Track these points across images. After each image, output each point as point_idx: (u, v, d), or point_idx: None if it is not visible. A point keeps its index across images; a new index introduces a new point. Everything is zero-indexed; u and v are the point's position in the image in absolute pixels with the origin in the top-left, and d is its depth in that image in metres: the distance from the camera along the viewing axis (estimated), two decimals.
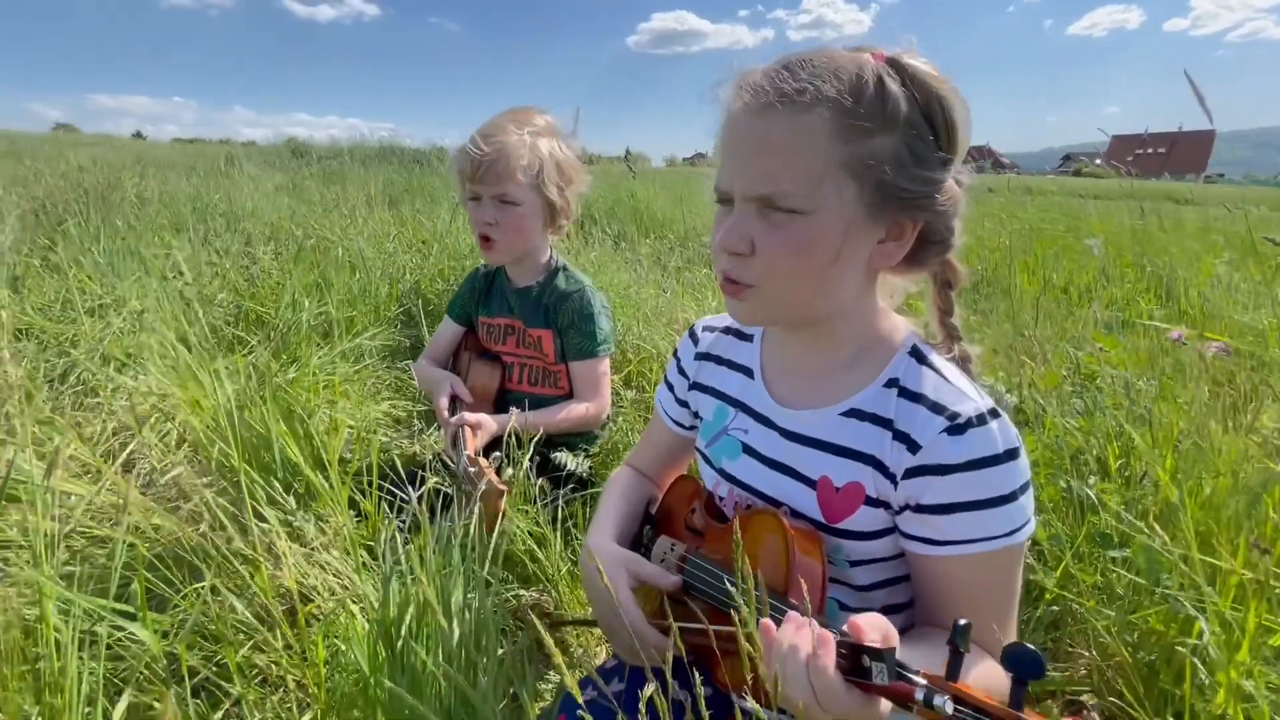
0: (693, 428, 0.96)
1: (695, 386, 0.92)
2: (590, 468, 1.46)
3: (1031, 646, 0.42)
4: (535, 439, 1.30)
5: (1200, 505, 1.06)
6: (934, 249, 0.69)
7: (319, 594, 0.98)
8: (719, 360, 0.90)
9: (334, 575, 1.01)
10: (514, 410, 1.35)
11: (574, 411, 1.45)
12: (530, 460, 1.32)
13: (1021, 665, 0.42)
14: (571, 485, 1.42)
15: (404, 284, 2.86)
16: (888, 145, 0.63)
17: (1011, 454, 0.64)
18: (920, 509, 0.67)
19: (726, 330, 0.91)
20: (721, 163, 0.71)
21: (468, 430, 1.31)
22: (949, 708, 0.42)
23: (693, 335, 0.95)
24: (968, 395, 0.67)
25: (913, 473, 0.67)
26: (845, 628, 0.53)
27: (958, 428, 0.64)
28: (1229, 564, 0.88)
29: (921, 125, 0.63)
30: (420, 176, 6.65)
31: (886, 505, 0.70)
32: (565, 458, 1.42)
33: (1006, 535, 0.65)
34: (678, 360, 0.96)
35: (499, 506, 1.07)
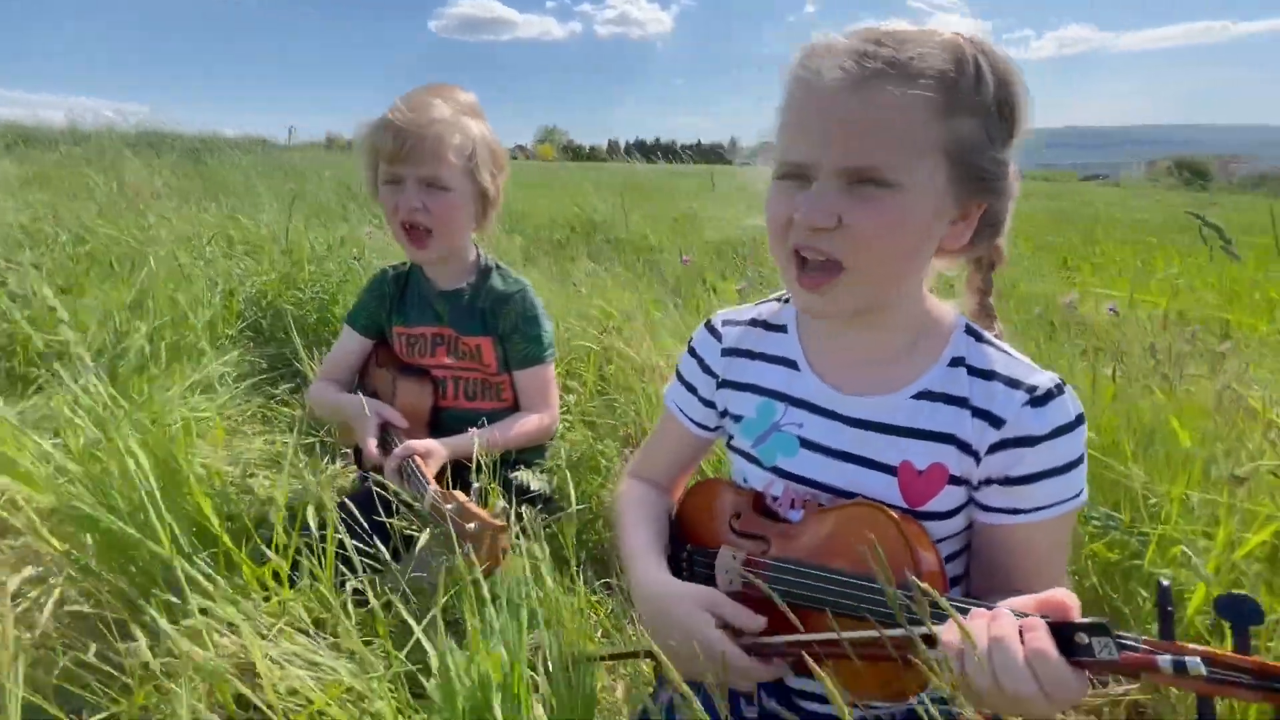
0: (717, 428, 0.92)
1: (726, 384, 0.87)
2: (552, 485, 1.34)
3: (1247, 594, 0.45)
4: (496, 461, 1.15)
5: None
6: (988, 231, 0.72)
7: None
8: (750, 354, 0.85)
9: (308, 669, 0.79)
10: (472, 431, 1.19)
11: (528, 425, 1.31)
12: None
13: (1242, 614, 0.44)
14: (539, 507, 1.29)
15: (243, 294, 2.41)
16: (976, 127, 0.63)
17: (1080, 419, 0.69)
18: (1008, 481, 0.69)
19: (753, 323, 0.87)
20: (794, 135, 0.67)
21: (418, 461, 1.12)
22: (1203, 669, 0.42)
23: (713, 331, 0.89)
24: (1035, 369, 0.70)
25: (998, 447, 0.69)
26: (1024, 609, 0.53)
27: (1039, 399, 0.67)
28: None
29: (999, 110, 0.64)
30: (216, 168, 5.67)
31: (967, 482, 0.71)
32: (526, 477, 1.29)
33: (1076, 496, 0.69)
34: (698, 358, 0.90)
35: (502, 547, 0.93)
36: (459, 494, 1.00)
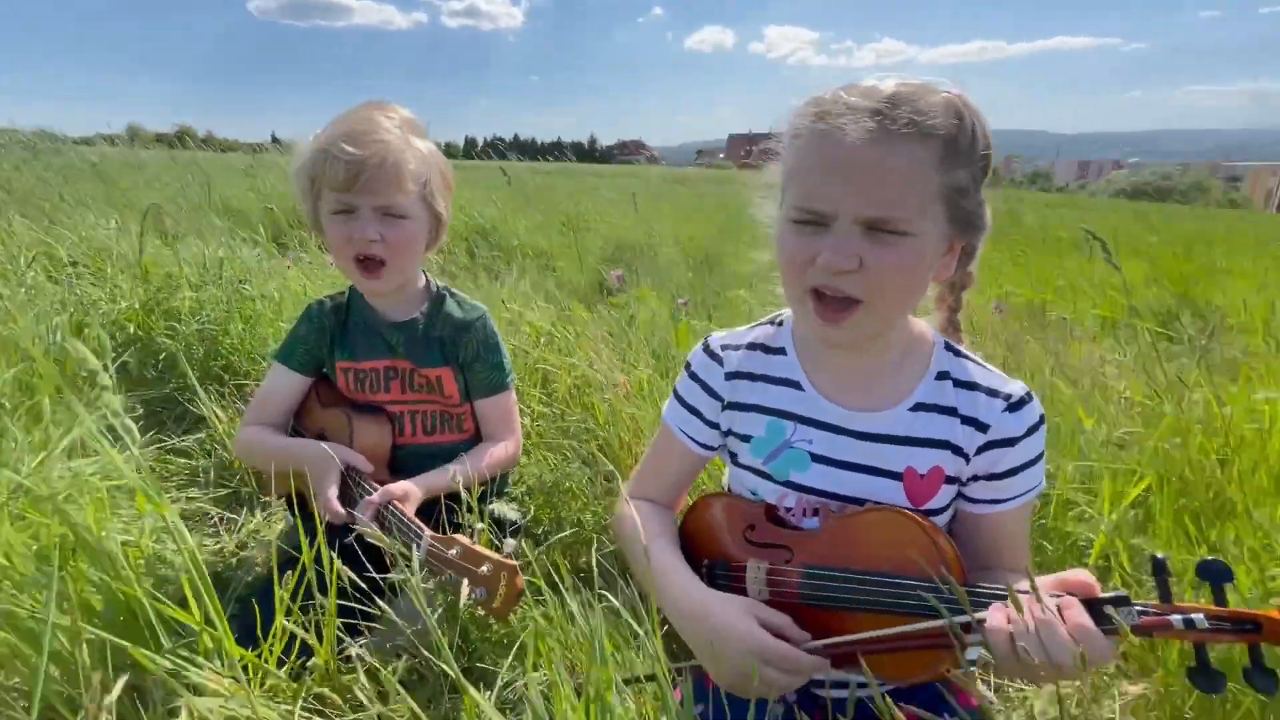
0: (719, 447, 0.97)
1: (732, 406, 0.92)
2: (524, 514, 1.32)
3: (1218, 559, 0.58)
4: (478, 494, 1.12)
5: None
6: (964, 260, 0.83)
7: None
8: (753, 377, 0.91)
9: None
10: (451, 466, 1.14)
11: (497, 455, 1.28)
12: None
13: (1216, 575, 0.57)
14: (520, 538, 1.26)
15: (94, 325, 2.07)
16: (966, 176, 0.73)
17: (1043, 419, 0.82)
18: (992, 476, 0.81)
19: (751, 346, 0.93)
20: (814, 184, 0.73)
21: (398, 506, 1.06)
22: (1206, 622, 0.55)
23: (713, 355, 0.94)
24: (1006, 379, 0.83)
25: (984, 448, 0.80)
26: (1049, 589, 0.63)
27: (1014, 405, 0.80)
28: None
29: (982, 159, 0.75)
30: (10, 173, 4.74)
31: (958, 480, 0.83)
32: (502, 509, 1.26)
33: (1039, 484, 0.83)
34: (700, 382, 0.94)
35: (518, 587, 0.91)
36: (459, 537, 0.96)
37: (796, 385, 0.88)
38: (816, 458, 0.86)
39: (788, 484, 0.87)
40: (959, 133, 0.70)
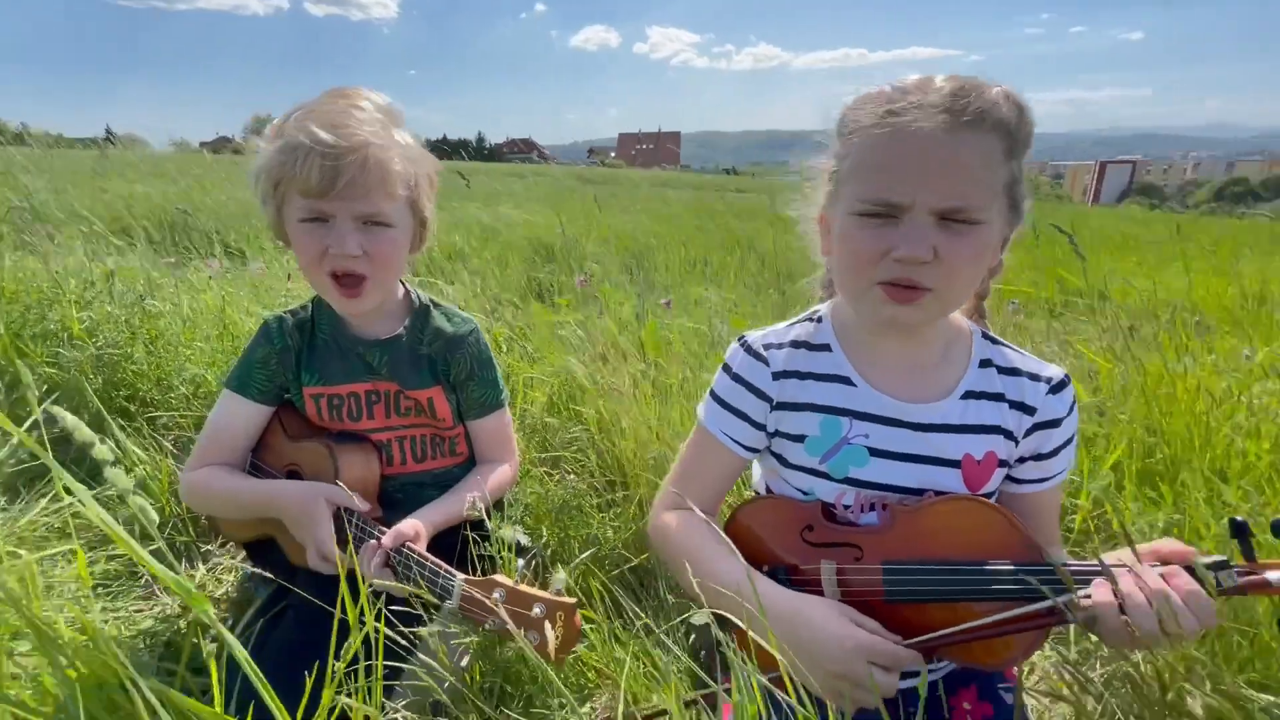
0: (763, 450, 0.94)
1: (781, 406, 0.90)
2: (533, 537, 1.23)
3: (1241, 518, 0.63)
4: (495, 525, 1.03)
5: None
6: (1002, 249, 0.86)
7: None
8: (802, 375, 0.90)
9: None
10: (464, 495, 1.04)
11: (502, 477, 1.19)
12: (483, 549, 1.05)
13: (1240, 530, 0.63)
14: (534, 563, 1.18)
15: None
16: (1019, 166, 0.75)
17: (1077, 396, 0.87)
18: (1039, 457, 0.85)
19: (795, 344, 0.91)
20: (884, 177, 0.72)
21: (412, 548, 0.95)
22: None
23: (757, 355, 0.91)
24: (1044, 363, 0.87)
25: (1032, 430, 0.84)
26: (1149, 560, 0.66)
27: (1056, 388, 0.84)
28: None
29: (1027, 149, 0.77)
30: None
31: (1007, 463, 0.86)
32: (512, 533, 1.16)
33: (1073, 460, 0.88)
34: (745, 383, 0.91)
35: (577, 626, 0.83)
36: (500, 578, 0.87)
37: (847, 381, 0.88)
38: (875, 452, 0.85)
39: (847, 480, 0.87)
40: (1020, 123, 0.72)
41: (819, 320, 0.93)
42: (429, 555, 0.93)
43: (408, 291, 1.19)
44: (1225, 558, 0.64)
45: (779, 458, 0.93)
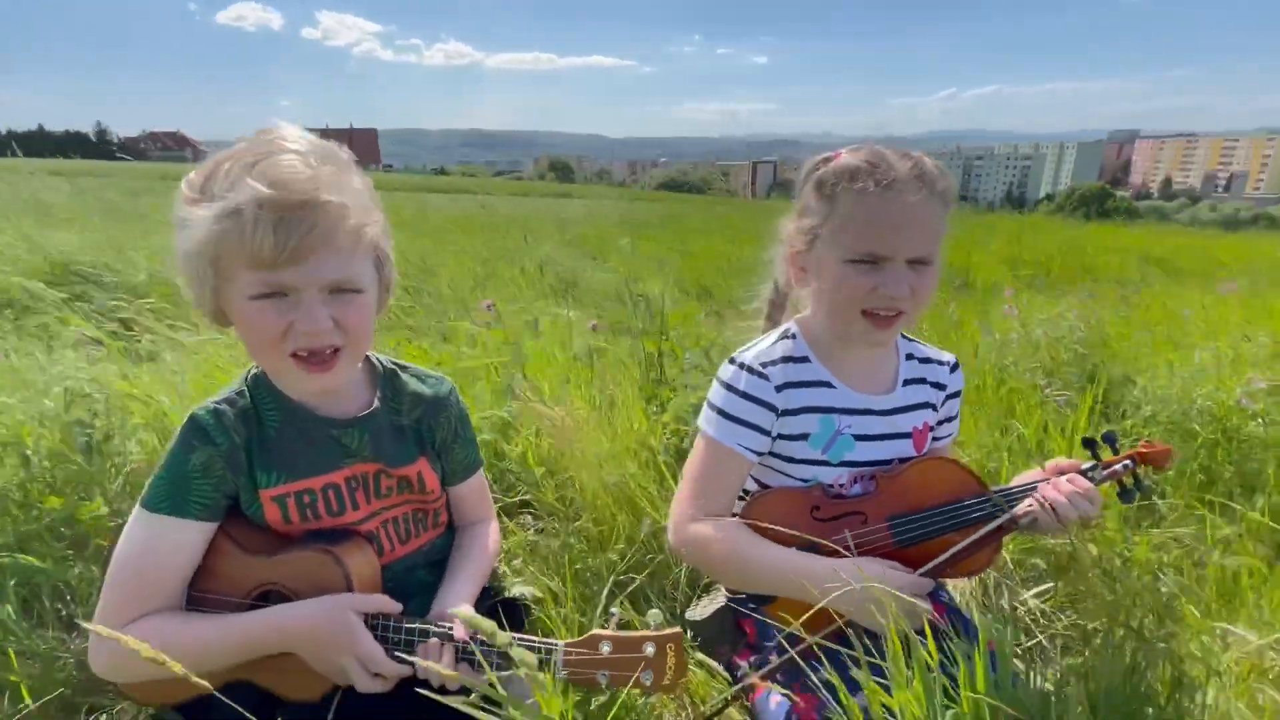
0: (766, 453, 1.12)
1: (786, 413, 1.09)
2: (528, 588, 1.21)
3: (1110, 430, 1.05)
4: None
5: None
6: None
7: None
8: (796, 384, 1.10)
9: None
10: (483, 563, 1.01)
11: (494, 539, 1.14)
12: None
13: (1110, 439, 1.04)
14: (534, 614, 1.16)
15: None
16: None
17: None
18: (949, 419, 1.19)
19: (784, 360, 1.11)
20: (873, 233, 0.97)
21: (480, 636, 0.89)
22: (1132, 464, 1.00)
23: (759, 374, 1.08)
24: (937, 349, 1.21)
25: (945, 400, 1.18)
26: (1051, 473, 1.02)
27: (954, 367, 1.19)
28: None
29: None
30: None
31: (932, 427, 1.18)
32: (520, 588, 1.14)
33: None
34: (754, 399, 1.07)
35: (682, 654, 0.89)
36: (602, 632, 0.88)
37: (828, 384, 1.11)
38: (859, 437, 1.10)
39: (843, 464, 1.10)
40: (950, 186, 1.02)
41: (793, 337, 1.14)
42: (495, 637, 0.88)
43: (366, 357, 1.05)
44: (1093, 463, 1.04)
45: (783, 456, 1.11)
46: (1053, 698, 0.83)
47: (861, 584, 0.91)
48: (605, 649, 0.87)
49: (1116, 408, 2.03)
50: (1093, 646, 1.28)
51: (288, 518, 0.95)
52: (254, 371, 0.98)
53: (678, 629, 0.89)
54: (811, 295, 1.11)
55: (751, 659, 1.11)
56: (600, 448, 1.41)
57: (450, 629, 0.90)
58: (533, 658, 0.77)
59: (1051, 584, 1.41)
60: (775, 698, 1.02)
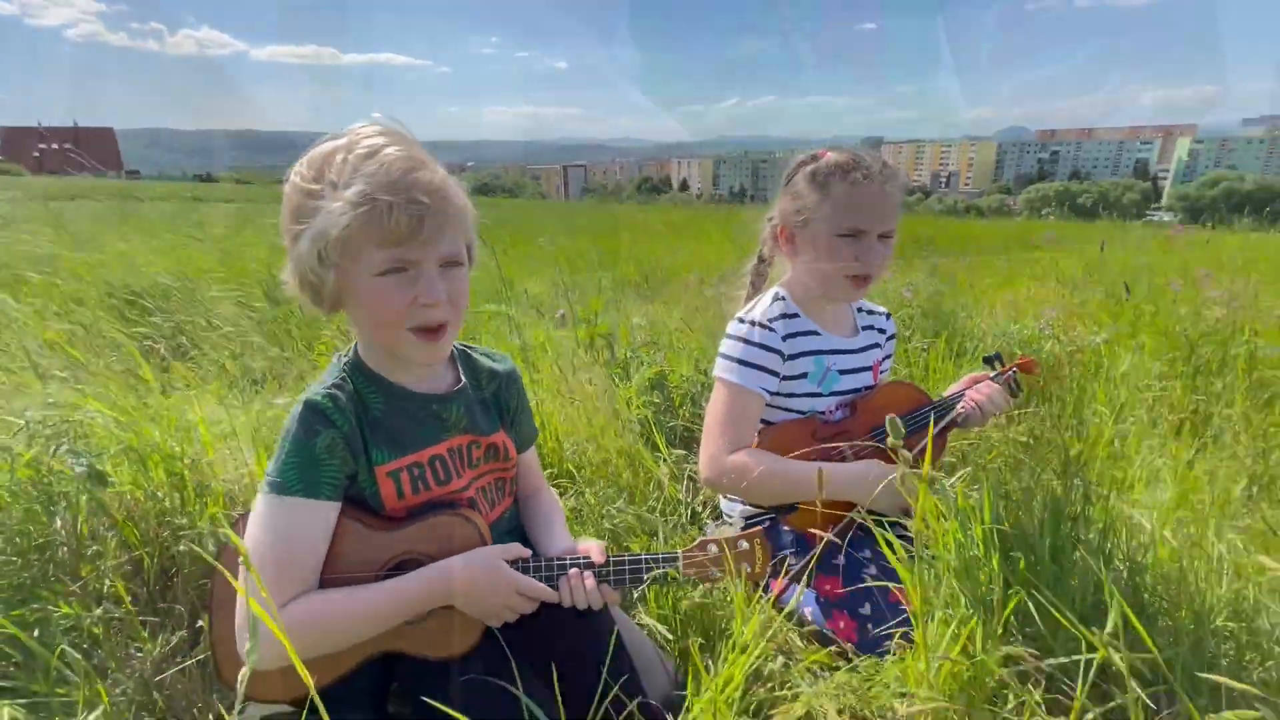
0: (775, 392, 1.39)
1: (791, 357, 1.37)
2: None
3: (997, 352, 1.47)
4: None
5: None
6: None
7: None
8: (794, 334, 1.39)
9: None
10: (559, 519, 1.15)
11: (558, 502, 1.27)
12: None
13: (999, 357, 1.47)
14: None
15: None
16: None
17: None
18: (888, 357, 1.56)
19: (783, 316, 1.38)
20: (855, 213, 1.28)
21: (604, 555, 1.04)
22: (1016, 372, 1.43)
23: (767, 328, 1.35)
24: (873, 304, 1.57)
25: (886, 340, 1.54)
26: (969, 384, 1.42)
27: (888, 316, 1.56)
28: None
29: None
30: None
31: (880, 362, 1.54)
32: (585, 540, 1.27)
33: None
34: (767, 348, 1.34)
35: (768, 544, 1.11)
36: (707, 538, 1.08)
37: (815, 333, 1.41)
38: (842, 372, 1.42)
39: (832, 394, 1.41)
40: (906, 180, 1.36)
41: (783, 298, 1.42)
42: (631, 552, 1.04)
43: None
44: (995, 372, 1.45)
45: (785, 394, 1.39)
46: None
47: (890, 476, 1.21)
48: (712, 550, 1.07)
49: (962, 343, 2.65)
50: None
51: (401, 492, 1.00)
52: (348, 359, 1.01)
53: (760, 527, 1.12)
54: (796, 264, 1.40)
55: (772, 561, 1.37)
56: (599, 421, 1.57)
57: (584, 560, 1.03)
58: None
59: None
60: (797, 590, 1.28)
